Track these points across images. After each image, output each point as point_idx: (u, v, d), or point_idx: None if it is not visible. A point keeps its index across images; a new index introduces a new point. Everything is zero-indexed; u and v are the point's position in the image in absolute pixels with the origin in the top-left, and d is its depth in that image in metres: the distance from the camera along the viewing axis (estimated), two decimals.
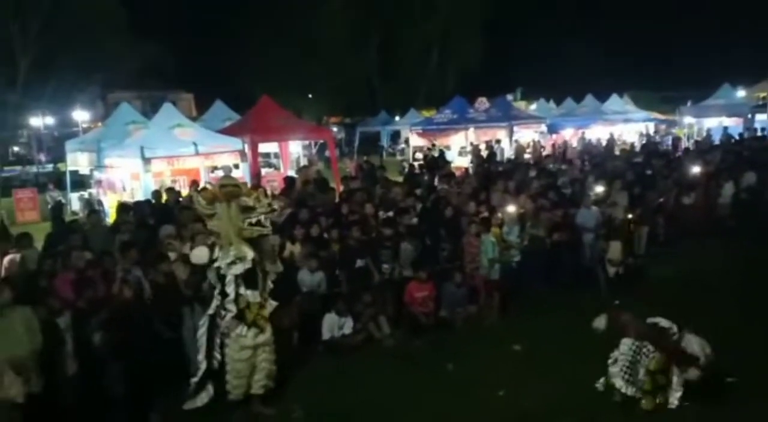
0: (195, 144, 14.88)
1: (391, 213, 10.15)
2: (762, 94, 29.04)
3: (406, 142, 25.12)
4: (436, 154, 20.82)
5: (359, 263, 8.77)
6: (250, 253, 6.09)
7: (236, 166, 15.43)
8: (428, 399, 6.59)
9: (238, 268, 6.06)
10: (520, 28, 41.83)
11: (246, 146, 15.77)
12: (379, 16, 40.57)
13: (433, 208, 10.63)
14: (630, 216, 10.95)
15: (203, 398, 6.18)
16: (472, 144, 21.69)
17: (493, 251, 9.07)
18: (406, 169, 18.65)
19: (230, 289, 6.08)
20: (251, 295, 6.19)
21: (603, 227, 10.64)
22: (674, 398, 5.99)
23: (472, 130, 22.14)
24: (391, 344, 8.11)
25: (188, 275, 7.01)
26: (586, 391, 6.38)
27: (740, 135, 23.43)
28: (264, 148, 18.42)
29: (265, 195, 7.40)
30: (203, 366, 6.18)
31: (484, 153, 20.73)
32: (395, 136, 33.47)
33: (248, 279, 6.15)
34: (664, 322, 6.24)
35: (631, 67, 37.51)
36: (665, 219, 12.25)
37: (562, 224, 10.38)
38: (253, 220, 6.20)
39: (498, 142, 22.78)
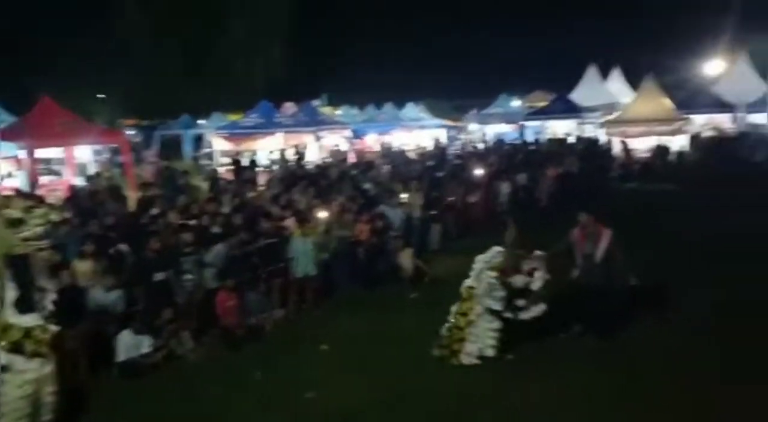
0: None
1: (194, 221, 9.77)
2: (536, 104, 33.31)
3: (211, 146, 24.13)
4: (246, 160, 20.41)
5: (159, 276, 8.27)
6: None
7: (10, 175, 13.57)
8: (235, 413, 6.44)
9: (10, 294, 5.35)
10: (327, 35, 42.72)
11: (23, 152, 13.96)
12: (184, 15, 38.56)
13: (240, 213, 10.45)
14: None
15: None
16: (282, 149, 21.70)
17: (304, 252, 9.21)
18: (212, 174, 18.02)
19: None
20: (28, 320, 5.50)
21: (405, 227, 11.45)
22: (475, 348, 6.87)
23: (279, 134, 22.09)
24: (195, 359, 7.78)
25: None
26: (392, 382, 6.74)
27: (521, 140, 26.77)
28: (45, 153, 16.45)
29: (40, 205, 6.62)
30: None
31: (293, 157, 20.91)
32: (199, 140, 32.05)
33: (21, 302, 5.45)
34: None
35: (428, 76, 40.43)
36: (455, 217, 13.49)
37: (368, 225, 10.85)
38: (27, 234, 5.51)
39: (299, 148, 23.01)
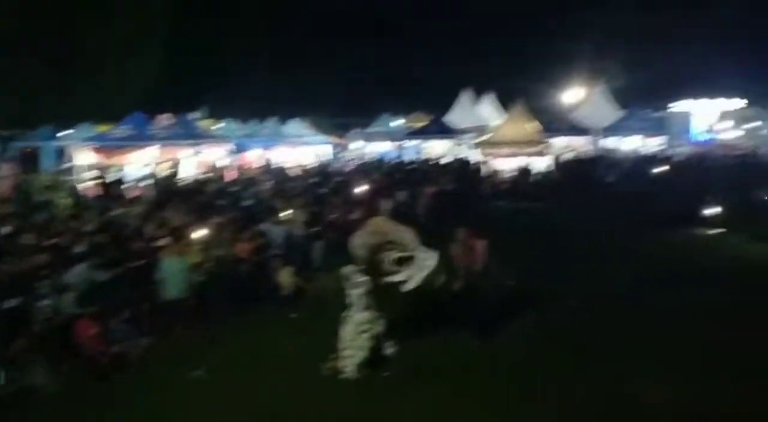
0: None
1: (53, 240, 9.03)
2: (415, 124, 34.47)
3: (71, 159, 22.34)
4: (113, 175, 19.19)
5: (11, 302, 7.52)
6: None
7: None
8: None
9: None
10: (209, 44, 41.42)
11: None
12: (49, 16, 35.51)
13: (105, 231, 9.81)
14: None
15: None
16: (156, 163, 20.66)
17: (177, 274, 8.80)
18: (75, 190, 16.75)
19: None
20: None
21: (286, 244, 11.32)
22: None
23: (153, 147, 21.04)
24: (53, 392, 7.13)
25: None
26: (271, 408, 6.58)
27: (400, 159, 27.59)
28: None
29: None
30: None
31: (168, 172, 20.02)
32: (61, 153, 29.56)
33: None
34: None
35: (312, 92, 40.52)
36: (337, 234, 13.56)
37: (248, 243, 10.61)
38: None
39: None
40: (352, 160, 29.57)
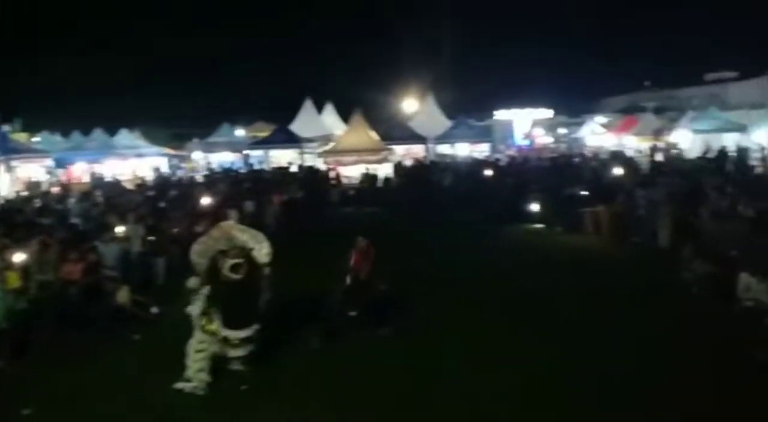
0: None
1: None
2: (259, 133, 33.91)
3: None
4: None
5: None
6: None
7: None
8: None
9: None
10: (21, 51, 37.17)
11: None
12: None
13: None
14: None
15: None
16: None
17: None
18: None
19: None
20: None
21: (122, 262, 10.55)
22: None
23: None
24: None
25: None
26: None
27: (246, 168, 26.97)
28: None
29: None
30: None
31: None
32: None
33: None
34: None
35: (142, 102, 38.22)
36: (181, 249, 12.92)
37: (78, 263, 9.71)
38: None
39: None
40: (195, 170, 28.38)
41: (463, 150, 29.32)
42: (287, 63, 43.81)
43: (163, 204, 15.38)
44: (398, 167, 24.35)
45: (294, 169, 25.35)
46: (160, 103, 39.83)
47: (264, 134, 31.63)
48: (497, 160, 26.93)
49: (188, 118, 37.43)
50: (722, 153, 23.61)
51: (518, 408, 6.31)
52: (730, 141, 26.19)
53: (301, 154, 28.00)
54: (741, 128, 27.32)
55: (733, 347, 7.42)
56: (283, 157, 28.11)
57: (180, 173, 27.94)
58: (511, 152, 32.38)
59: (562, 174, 20.05)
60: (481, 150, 29.18)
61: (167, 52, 42.86)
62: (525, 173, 21.74)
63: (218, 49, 45.03)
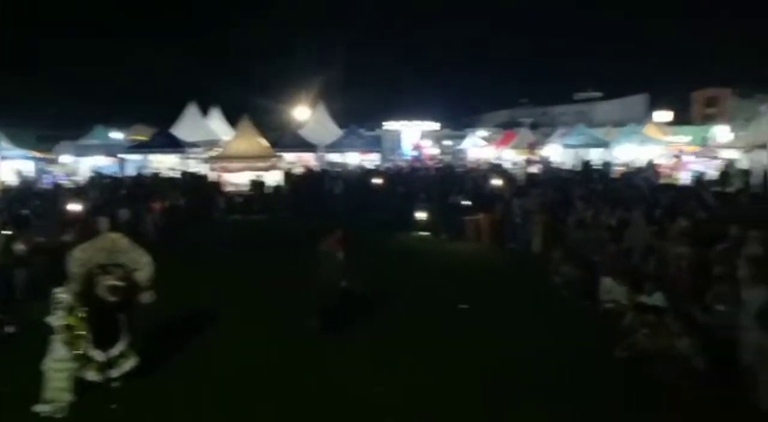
0: None
1: None
2: (137, 137, 32.09)
3: None
4: None
5: None
6: None
7: None
8: None
9: None
10: None
11: None
12: None
13: None
14: None
15: None
16: None
17: None
18: None
19: None
20: None
21: None
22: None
23: None
24: None
25: None
26: None
27: (121, 173, 25.34)
28: None
29: None
30: None
31: None
32: None
33: None
34: None
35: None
36: (48, 259, 11.90)
37: None
38: None
39: None
40: (66, 175, 26.27)
41: (354, 159, 29.63)
42: (171, 65, 41.85)
43: (26, 211, 14.07)
44: (288, 174, 24.10)
45: (175, 174, 24.29)
46: (24, 103, 36.48)
47: (143, 138, 29.99)
48: (387, 169, 27.49)
49: (57, 120, 34.57)
50: (588, 166, 25.76)
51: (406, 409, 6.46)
52: (596, 155, 28.69)
53: (185, 159, 26.88)
54: (605, 144, 30.00)
55: (595, 345, 8.09)
56: (164, 162, 26.83)
57: (45, 178, 25.72)
58: (400, 162, 33.21)
59: (446, 184, 20.84)
60: (371, 159, 29.64)
61: (38, 51, 39.49)
62: (413, 183, 22.37)
63: (98, 49, 42.17)
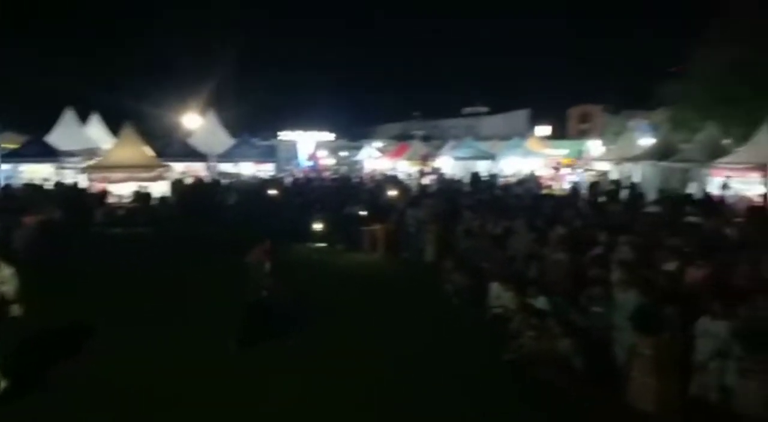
0: None
1: None
2: (7, 145, 29.18)
3: None
4: None
5: None
6: None
7: None
8: None
9: None
10: None
11: None
12: None
13: None
14: None
15: None
16: None
17: None
18: None
19: None
20: None
21: None
22: None
23: None
24: None
25: None
26: None
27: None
28: None
29: None
30: None
31: None
32: None
33: None
34: None
35: None
36: None
37: None
38: None
39: None
40: None
41: (248, 169, 28.92)
42: (47, 68, 38.45)
43: None
44: (176, 184, 23.06)
45: (49, 185, 22.46)
46: None
47: (14, 146, 27.41)
48: (281, 179, 27.10)
49: None
50: (476, 177, 26.97)
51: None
52: (484, 167, 30.12)
53: (60, 168, 24.92)
54: (491, 156, 31.57)
55: (485, 349, 8.45)
56: (38, 172, 24.70)
57: None
58: (296, 172, 32.90)
59: (342, 194, 20.91)
60: (266, 169, 29.08)
61: None
62: (308, 193, 22.21)
63: None
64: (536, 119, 48.37)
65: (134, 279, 11.71)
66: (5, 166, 25.09)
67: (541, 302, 8.68)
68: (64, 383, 7.23)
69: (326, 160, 39.08)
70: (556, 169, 29.61)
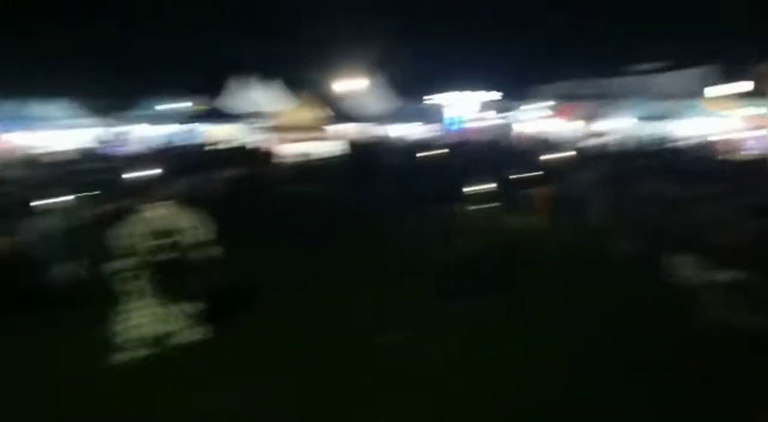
0: None
1: None
2: (198, 107, 32.55)
3: None
4: None
5: None
6: None
7: None
8: None
9: None
10: None
11: None
12: None
13: None
14: None
15: None
16: None
17: None
18: None
19: None
20: None
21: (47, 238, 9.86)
22: None
23: None
24: None
25: None
26: None
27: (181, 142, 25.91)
28: None
29: None
30: None
31: None
32: None
33: None
34: None
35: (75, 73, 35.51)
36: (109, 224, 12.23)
37: None
38: None
39: None
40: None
41: (403, 131, 29.38)
42: (226, 35, 41.66)
43: (91, 179, 14.53)
44: (348, 146, 24.08)
45: (235, 145, 24.68)
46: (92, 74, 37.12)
47: (202, 108, 30.52)
48: (441, 141, 27.14)
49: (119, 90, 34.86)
50: (649, 139, 24.67)
51: None
52: (657, 128, 27.45)
53: (239, 129, 27.27)
54: (665, 117, 28.68)
55: (664, 325, 7.74)
56: (218, 133, 27.27)
57: (110, 146, 26.45)
58: (453, 134, 32.67)
59: (501, 156, 20.36)
60: (422, 131, 29.32)
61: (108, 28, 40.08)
62: (467, 155, 21.95)
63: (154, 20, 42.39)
64: (727, 76, 42.41)
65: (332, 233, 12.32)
66: (193, 126, 28.04)
67: (727, 274, 7.77)
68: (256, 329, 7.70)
69: (486, 120, 38.15)
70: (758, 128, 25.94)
